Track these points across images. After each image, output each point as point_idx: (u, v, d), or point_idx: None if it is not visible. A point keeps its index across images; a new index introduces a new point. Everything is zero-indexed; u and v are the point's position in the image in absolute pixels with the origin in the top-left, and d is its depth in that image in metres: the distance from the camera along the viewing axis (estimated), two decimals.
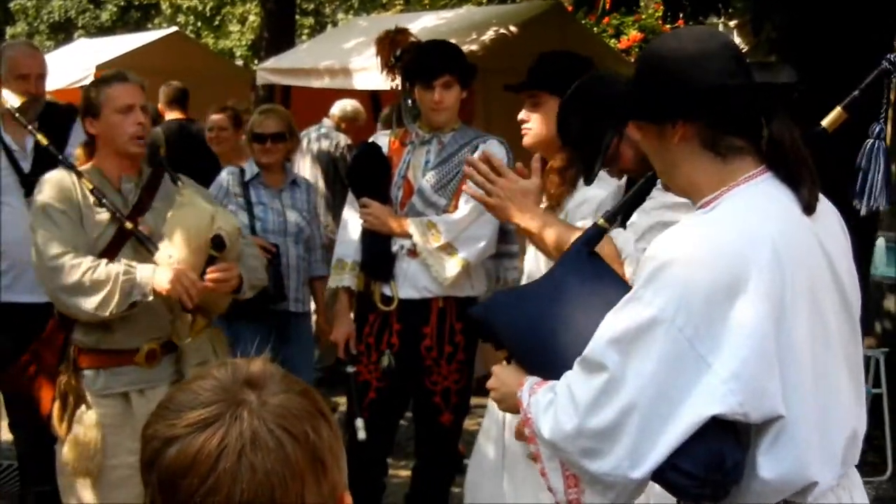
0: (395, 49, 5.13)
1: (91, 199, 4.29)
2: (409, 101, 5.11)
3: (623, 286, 2.59)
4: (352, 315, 5.33)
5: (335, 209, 8.30)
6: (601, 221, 2.88)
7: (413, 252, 4.98)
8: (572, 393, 2.36)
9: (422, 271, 4.98)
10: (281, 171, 6.34)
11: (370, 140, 5.43)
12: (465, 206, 4.94)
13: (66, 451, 4.36)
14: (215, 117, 7.86)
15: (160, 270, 4.14)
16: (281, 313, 6.11)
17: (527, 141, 4.41)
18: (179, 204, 4.31)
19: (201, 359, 4.36)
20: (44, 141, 4.64)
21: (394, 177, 5.11)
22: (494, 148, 4.98)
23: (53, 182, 4.32)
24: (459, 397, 5.13)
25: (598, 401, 2.29)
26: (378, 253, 5.05)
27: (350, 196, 5.29)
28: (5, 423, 7.18)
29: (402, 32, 5.22)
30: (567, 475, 2.47)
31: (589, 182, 3.69)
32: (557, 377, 2.48)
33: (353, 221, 5.21)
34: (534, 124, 4.37)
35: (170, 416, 1.52)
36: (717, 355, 2.19)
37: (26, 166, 5.54)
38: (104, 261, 4.17)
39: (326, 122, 9.45)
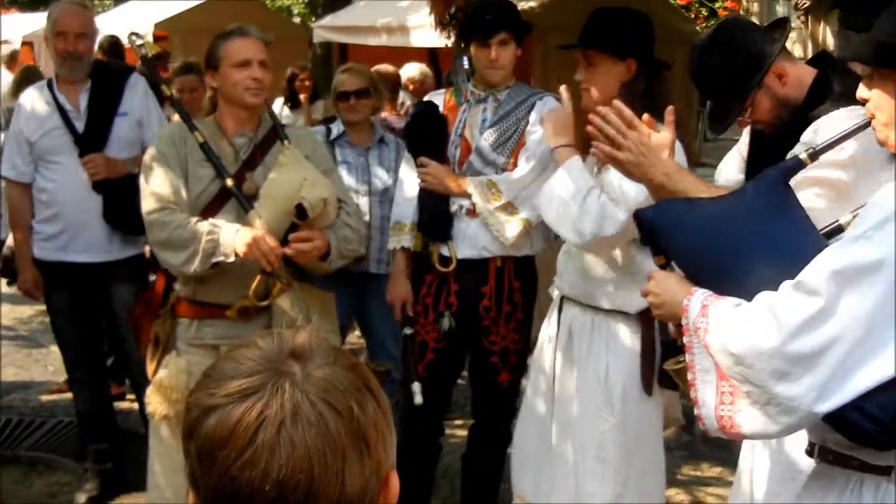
0: (449, 7, 5.05)
1: (199, 154, 4.33)
2: (465, 60, 5.04)
3: (809, 226, 2.62)
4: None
5: None
6: (804, 156, 2.84)
7: (472, 212, 4.91)
8: (776, 313, 2.34)
9: (481, 231, 4.91)
10: (368, 130, 6.25)
11: (426, 98, 5.36)
12: (524, 165, 4.87)
13: (150, 392, 4.49)
14: (185, 78, 7.57)
15: (242, 232, 4.16)
16: (362, 274, 6.06)
17: (585, 102, 4.32)
18: (279, 164, 4.33)
19: (293, 319, 4.36)
20: (168, 92, 4.74)
21: (450, 136, 5.04)
22: (551, 104, 4.91)
23: (164, 136, 4.43)
24: (518, 357, 5.08)
25: (806, 325, 2.28)
26: (436, 213, 4.98)
27: (407, 155, 5.23)
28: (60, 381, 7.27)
29: None
30: (723, 392, 2.47)
31: (720, 131, 3.64)
32: (730, 292, 2.51)
33: (409, 181, 5.14)
34: (590, 85, 4.30)
35: (211, 384, 1.47)
36: None
37: (80, 126, 5.54)
38: (194, 219, 4.23)
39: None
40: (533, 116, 4.91)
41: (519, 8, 5.32)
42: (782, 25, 3.68)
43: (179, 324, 4.48)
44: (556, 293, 4.67)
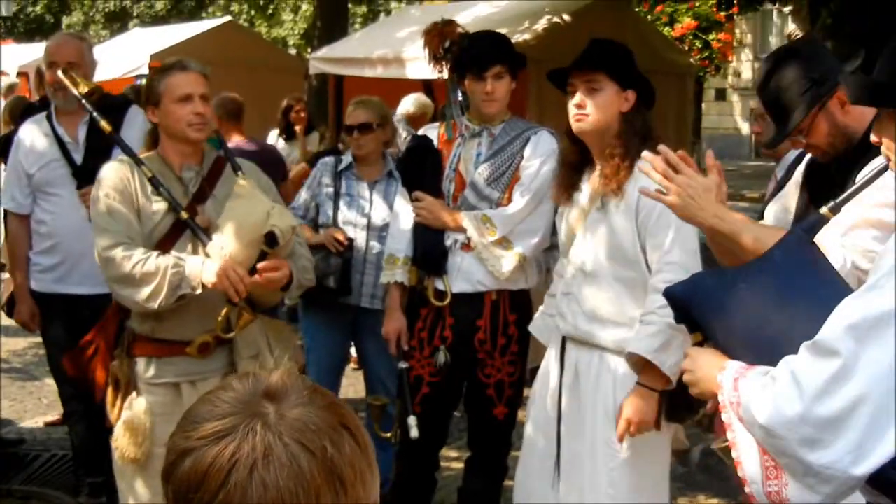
0: (443, 41, 5.07)
1: (149, 188, 4.29)
2: (460, 94, 5.06)
3: (839, 280, 2.58)
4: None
5: None
6: (825, 210, 2.82)
7: (467, 246, 4.93)
8: (797, 378, 2.24)
9: (475, 265, 4.93)
10: (377, 162, 6.20)
11: (420, 132, 5.38)
12: (519, 199, 4.89)
13: (116, 436, 4.40)
14: None
15: (209, 263, 4.13)
16: (353, 308, 6.05)
17: (583, 126, 4.32)
18: (237, 195, 4.30)
19: (254, 351, 4.35)
20: (107, 127, 4.64)
21: (445, 170, 5.06)
22: (545, 138, 4.94)
23: (111, 173, 4.34)
24: (513, 390, 5.08)
25: (828, 388, 2.18)
26: (431, 247, 5.00)
27: (402, 189, 5.25)
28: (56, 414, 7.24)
29: (450, 24, 5.16)
30: (767, 466, 2.38)
31: (773, 146, 3.64)
32: (766, 363, 2.43)
33: (404, 215, 5.15)
34: (591, 110, 4.30)
35: (188, 427, 1.49)
36: None
37: (78, 158, 5.57)
38: (155, 253, 4.17)
39: (397, 113, 9.40)
40: (528, 151, 4.93)
41: (513, 41, 5.35)
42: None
43: (137, 363, 4.40)
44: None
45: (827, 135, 3.45)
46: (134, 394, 4.38)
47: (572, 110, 4.35)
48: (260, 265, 4.20)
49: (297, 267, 4.39)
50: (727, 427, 2.49)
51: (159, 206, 4.29)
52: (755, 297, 2.63)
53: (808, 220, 2.81)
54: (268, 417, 1.46)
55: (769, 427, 2.29)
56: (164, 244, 4.26)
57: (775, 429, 2.28)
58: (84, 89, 4.89)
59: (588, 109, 4.30)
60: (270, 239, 4.19)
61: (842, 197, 2.88)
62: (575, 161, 4.52)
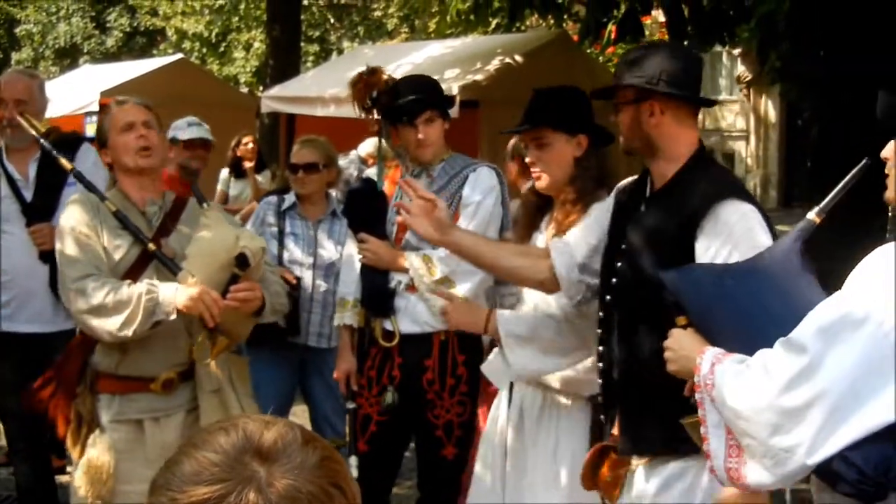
0: (370, 91, 5.07)
1: (114, 222, 4.29)
2: (390, 142, 5.10)
3: (819, 288, 2.77)
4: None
5: None
6: (813, 216, 2.95)
7: (412, 287, 4.94)
8: (768, 370, 2.53)
9: (422, 306, 4.93)
10: (320, 202, 6.24)
11: (364, 175, 5.41)
12: None
13: (78, 475, 4.36)
14: None
15: (182, 289, 4.13)
16: (301, 347, 6.07)
17: (541, 185, 4.39)
18: (203, 225, 4.32)
19: (216, 386, 4.34)
20: (68, 165, 4.63)
21: (388, 211, 5.08)
22: (484, 174, 4.99)
23: (77, 205, 4.36)
24: (463, 430, 5.07)
25: (794, 382, 2.46)
26: (377, 288, 5.01)
27: (350, 233, 5.26)
28: None
29: (375, 73, 5.15)
30: (730, 445, 2.67)
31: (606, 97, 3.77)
32: (744, 351, 2.70)
33: (355, 258, 5.18)
34: (543, 167, 4.35)
35: (174, 485, 1.45)
36: None
37: (28, 195, 5.52)
38: (127, 282, 4.17)
39: (353, 154, 9.40)
40: (466, 189, 4.96)
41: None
42: None
43: (100, 400, 4.37)
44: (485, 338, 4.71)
45: (628, 128, 3.59)
46: (97, 431, 4.35)
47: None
48: (232, 287, 4.21)
49: (270, 292, 4.40)
50: (699, 405, 2.76)
51: (123, 239, 4.30)
52: (740, 293, 2.86)
53: (797, 228, 2.94)
54: (260, 482, 1.43)
55: (738, 410, 2.59)
56: (130, 276, 4.25)
57: (743, 412, 2.58)
58: (42, 129, 4.90)
59: (540, 167, 4.35)
60: (241, 261, 4.20)
61: (826, 200, 2.99)
62: (536, 203, 4.56)
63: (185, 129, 6.92)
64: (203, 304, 4.08)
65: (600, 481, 3.82)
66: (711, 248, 3.30)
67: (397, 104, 4.97)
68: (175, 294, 4.12)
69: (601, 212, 3.92)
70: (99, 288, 4.13)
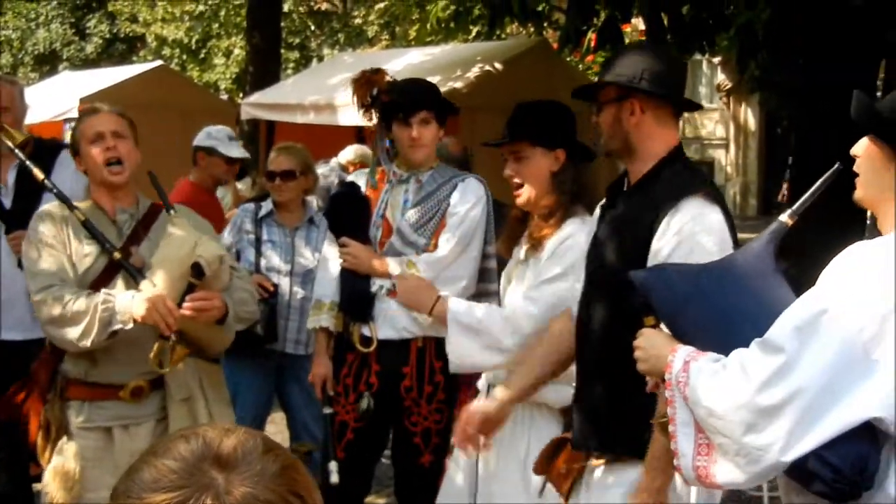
0: (371, 89, 5.08)
1: (83, 232, 4.29)
2: (387, 141, 5.09)
3: (790, 289, 2.81)
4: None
5: None
6: (785, 218, 2.97)
7: (393, 292, 4.92)
8: (745, 369, 2.54)
9: (401, 312, 4.92)
10: (298, 209, 6.27)
11: (348, 179, 5.41)
12: (445, 245, 4.91)
13: (46, 481, 4.36)
14: None
15: (137, 298, 4.11)
16: (279, 354, 6.07)
17: (521, 201, 4.42)
18: (169, 233, 4.30)
19: (186, 394, 4.34)
20: (40, 175, 4.61)
21: (372, 216, 5.08)
22: (473, 185, 4.98)
23: (43, 216, 4.36)
24: (440, 437, 5.06)
25: (771, 380, 2.48)
26: (357, 293, 5.00)
27: (329, 235, 5.25)
28: None
29: (379, 72, 5.17)
30: (700, 444, 2.66)
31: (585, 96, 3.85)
32: (718, 350, 2.70)
33: (331, 261, 5.15)
34: (522, 180, 4.38)
35: (133, 492, 1.45)
36: (888, 363, 2.38)
37: (7, 202, 5.49)
38: (86, 292, 4.16)
39: (333, 161, 9.38)
40: (455, 197, 4.96)
41: (445, 88, 5.40)
42: None
43: (69, 407, 4.36)
44: (482, 381, 4.70)
45: (609, 127, 3.61)
46: (65, 438, 4.34)
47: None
48: (188, 296, 4.19)
49: (235, 299, 4.39)
50: (669, 403, 2.75)
51: (92, 248, 4.29)
52: (715, 293, 2.88)
53: (770, 229, 2.96)
54: (217, 490, 1.42)
55: (713, 409, 2.59)
56: (96, 286, 4.24)
57: (717, 410, 2.57)
58: (19, 139, 4.88)
59: (519, 180, 4.38)
60: (197, 270, 4.19)
61: (799, 202, 3.01)
62: (518, 215, 4.57)
63: (227, 143, 6.86)
64: (158, 313, 4.07)
65: (553, 471, 3.84)
66: (660, 243, 3.39)
67: (395, 102, 4.99)
68: (131, 303, 4.11)
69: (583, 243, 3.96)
70: (59, 299, 4.13)
